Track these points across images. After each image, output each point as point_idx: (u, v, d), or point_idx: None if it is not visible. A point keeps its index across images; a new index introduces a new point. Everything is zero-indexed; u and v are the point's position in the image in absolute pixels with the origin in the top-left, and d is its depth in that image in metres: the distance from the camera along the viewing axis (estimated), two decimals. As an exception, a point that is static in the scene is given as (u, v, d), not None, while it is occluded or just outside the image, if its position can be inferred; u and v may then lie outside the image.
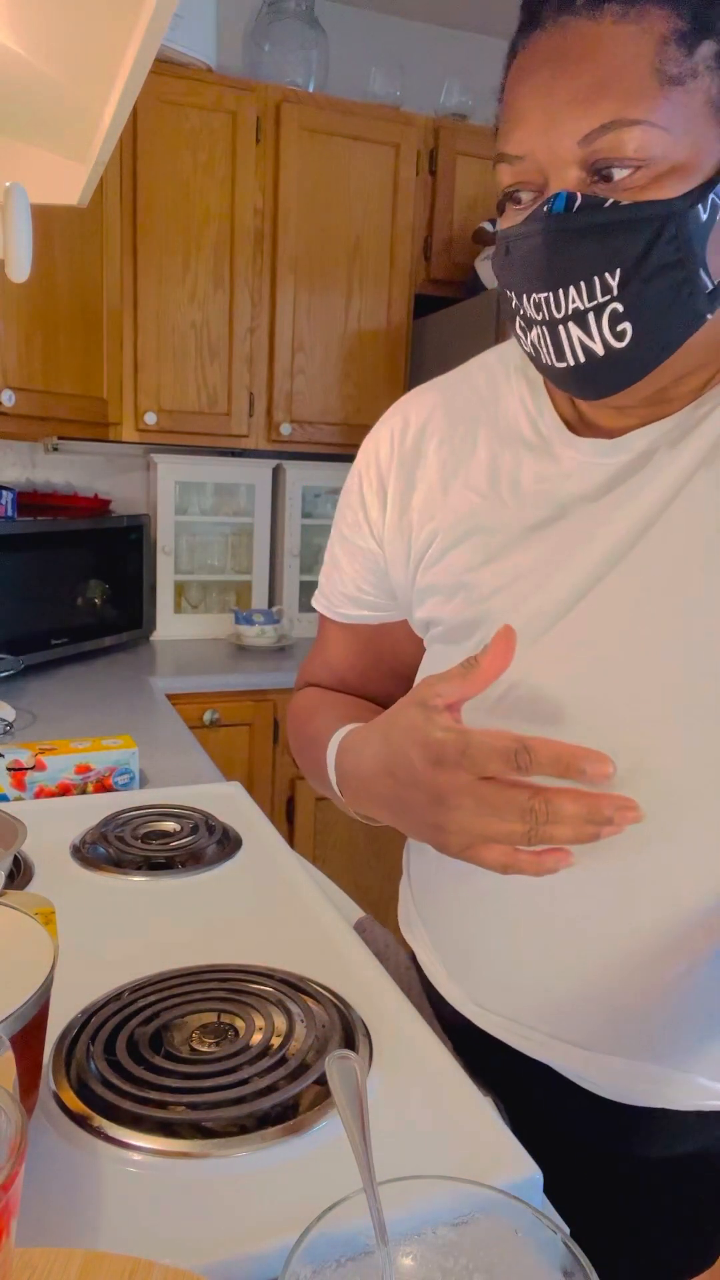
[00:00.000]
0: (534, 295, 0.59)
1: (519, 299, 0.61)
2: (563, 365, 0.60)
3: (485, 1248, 0.44)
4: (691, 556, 0.61)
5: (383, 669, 0.87)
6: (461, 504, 0.72)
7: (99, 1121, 0.60)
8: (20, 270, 0.88)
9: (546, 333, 0.60)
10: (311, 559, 2.79)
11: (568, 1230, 0.43)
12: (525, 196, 0.59)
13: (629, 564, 0.63)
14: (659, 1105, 0.67)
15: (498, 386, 0.74)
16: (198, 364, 2.38)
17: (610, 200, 0.55)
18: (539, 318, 0.59)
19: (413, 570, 0.76)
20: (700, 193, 0.54)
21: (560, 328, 0.59)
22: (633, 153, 0.54)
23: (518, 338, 0.65)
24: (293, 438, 2.50)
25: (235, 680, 2.25)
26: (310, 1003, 0.73)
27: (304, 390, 2.50)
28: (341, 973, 0.78)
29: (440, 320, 2.46)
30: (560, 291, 0.57)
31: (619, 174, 0.54)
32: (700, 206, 0.54)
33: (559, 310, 0.58)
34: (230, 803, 1.21)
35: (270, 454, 2.64)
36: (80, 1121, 0.60)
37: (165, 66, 2.20)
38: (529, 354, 0.64)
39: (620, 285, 0.56)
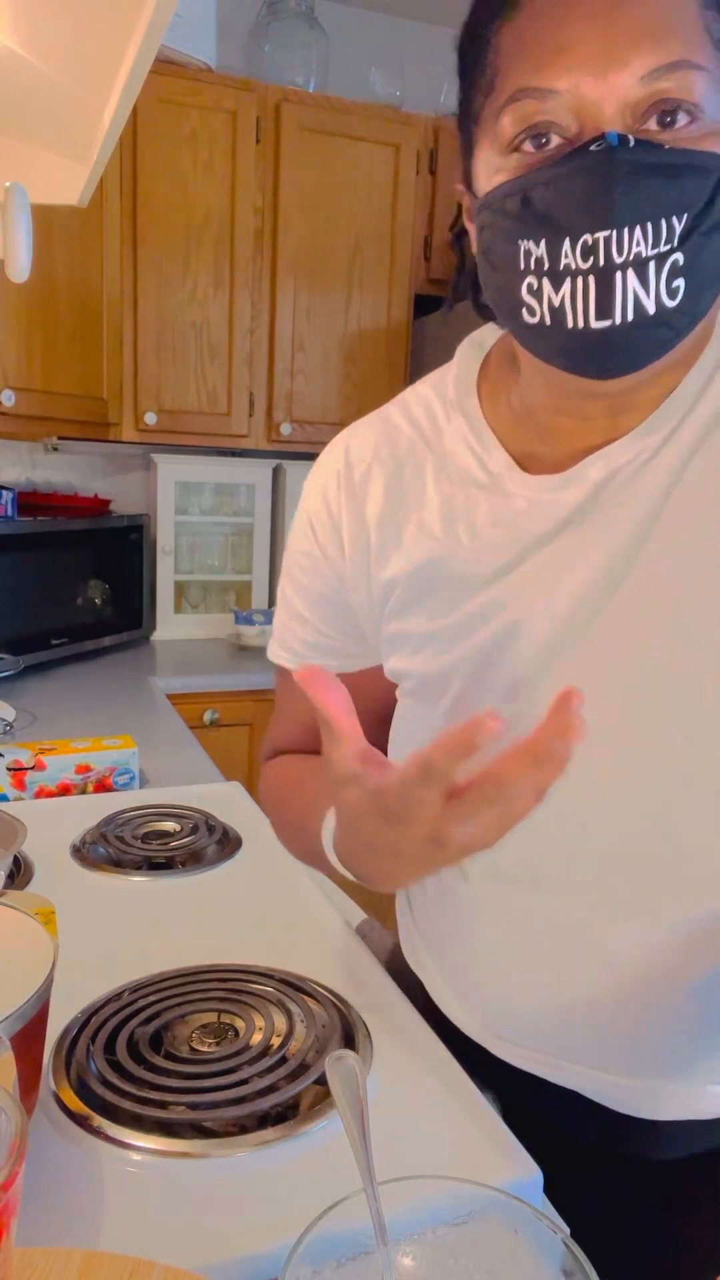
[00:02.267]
0: (589, 236, 0.51)
1: (551, 247, 0.53)
2: (602, 325, 0.52)
3: (485, 1248, 0.44)
4: (669, 587, 0.59)
5: (368, 717, 0.76)
6: (418, 551, 0.68)
7: (99, 1121, 0.60)
8: (20, 270, 0.88)
9: (593, 283, 0.52)
10: (311, 559, 2.79)
11: (568, 1230, 0.43)
12: (554, 139, 0.52)
13: (603, 602, 0.60)
14: (676, 1118, 0.66)
15: (438, 423, 0.70)
16: (198, 364, 2.38)
17: (667, 145, 0.50)
18: (585, 265, 0.52)
19: (376, 618, 0.72)
20: None
21: (617, 275, 0.51)
22: (697, 96, 0.50)
23: (512, 310, 0.57)
24: (293, 438, 2.50)
25: (235, 680, 2.25)
26: (310, 1003, 0.73)
27: (304, 390, 2.49)
28: (341, 973, 0.78)
29: (440, 320, 2.47)
30: (626, 231, 0.50)
31: (679, 120, 0.50)
32: None
33: (620, 253, 0.51)
34: (230, 803, 1.21)
35: (270, 454, 2.64)
36: (80, 1121, 0.60)
37: (165, 66, 2.20)
38: (532, 324, 0.56)
39: (684, 235, 0.51)
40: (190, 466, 2.58)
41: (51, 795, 1.24)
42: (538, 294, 0.55)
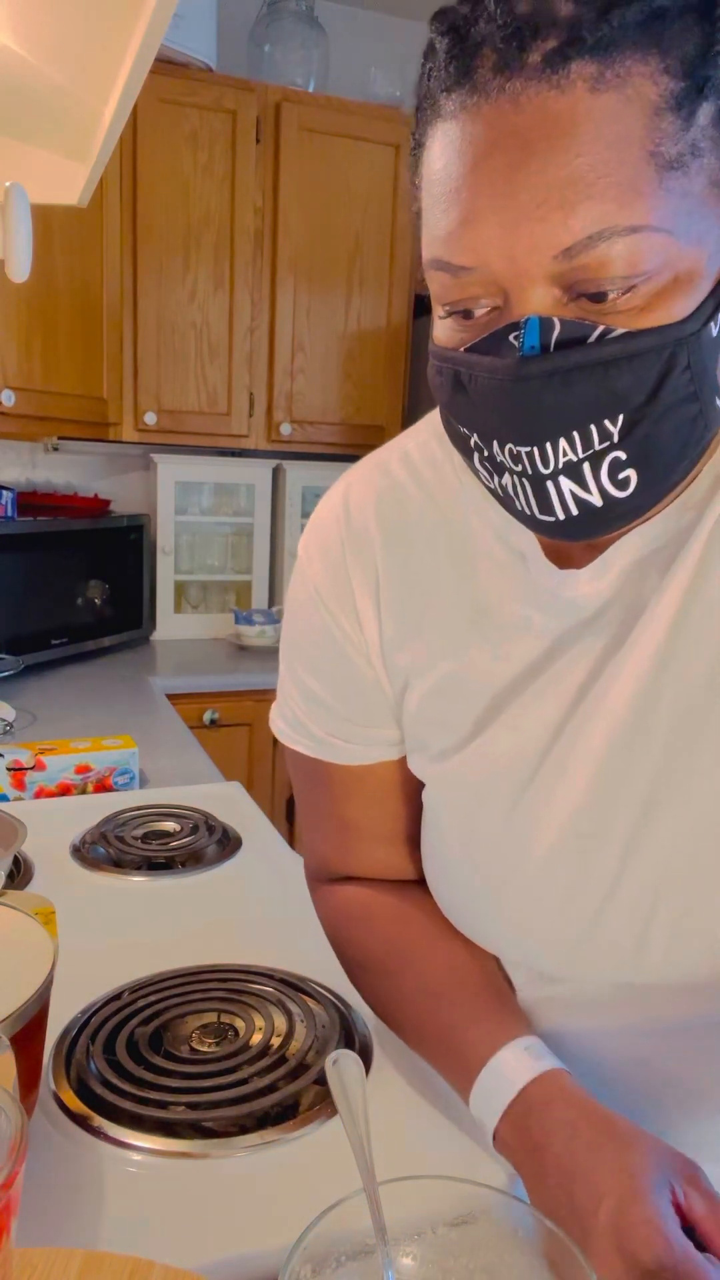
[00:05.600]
0: (512, 446, 0.47)
1: (483, 441, 0.49)
2: (548, 519, 0.49)
3: (485, 1248, 0.44)
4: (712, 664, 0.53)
5: (411, 803, 0.71)
6: (435, 643, 0.61)
7: (99, 1121, 0.60)
8: (20, 270, 0.88)
9: (527, 485, 0.48)
10: (311, 559, 2.79)
11: (568, 1230, 0.43)
12: (479, 310, 0.47)
13: (648, 696, 0.54)
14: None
15: (450, 489, 0.62)
16: (198, 364, 2.38)
17: (599, 329, 0.43)
18: (516, 469, 0.48)
19: (398, 701, 0.65)
20: (711, 307, 0.44)
21: (548, 483, 0.47)
22: (627, 270, 0.42)
23: (474, 471, 0.53)
24: (293, 438, 2.50)
25: (235, 680, 2.25)
26: (310, 1003, 0.73)
27: (304, 390, 2.49)
28: (341, 973, 0.78)
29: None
30: (548, 445, 0.46)
31: (611, 293, 0.43)
32: (712, 324, 0.44)
33: (545, 465, 0.47)
34: (230, 803, 1.22)
35: (270, 454, 2.64)
36: (80, 1121, 0.60)
37: (165, 66, 2.19)
38: (494, 494, 0.52)
39: (623, 432, 0.45)
40: (190, 466, 2.58)
41: (51, 795, 1.24)
42: (484, 470, 0.51)
